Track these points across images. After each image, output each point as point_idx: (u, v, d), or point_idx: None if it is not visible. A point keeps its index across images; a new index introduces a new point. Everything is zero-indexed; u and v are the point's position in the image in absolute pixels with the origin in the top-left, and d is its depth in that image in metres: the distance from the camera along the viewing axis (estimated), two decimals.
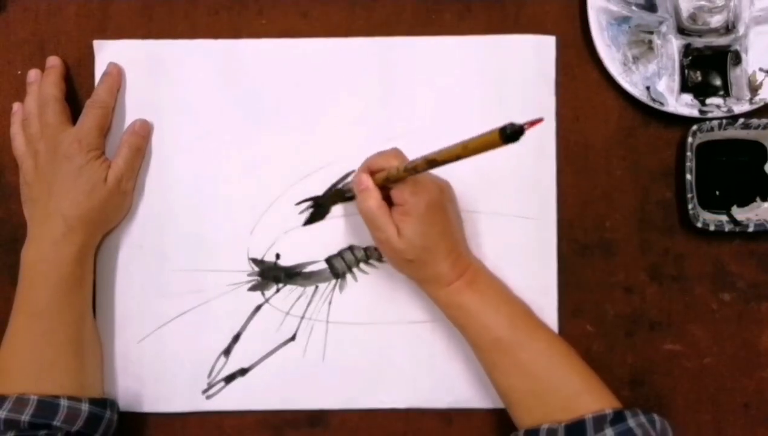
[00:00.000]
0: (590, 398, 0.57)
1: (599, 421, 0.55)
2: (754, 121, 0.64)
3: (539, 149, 0.66)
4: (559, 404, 0.57)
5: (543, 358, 0.59)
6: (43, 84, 0.65)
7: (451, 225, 0.60)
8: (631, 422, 0.55)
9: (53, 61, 0.66)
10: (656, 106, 0.65)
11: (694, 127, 0.64)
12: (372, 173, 0.59)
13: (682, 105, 0.65)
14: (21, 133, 0.65)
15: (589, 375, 0.59)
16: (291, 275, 0.66)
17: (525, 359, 0.58)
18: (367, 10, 0.67)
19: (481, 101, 0.66)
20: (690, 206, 0.64)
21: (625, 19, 0.66)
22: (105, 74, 0.66)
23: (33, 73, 0.66)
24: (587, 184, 0.66)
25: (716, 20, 0.64)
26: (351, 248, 0.66)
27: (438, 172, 0.66)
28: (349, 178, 0.66)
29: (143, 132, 0.66)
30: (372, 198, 0.58)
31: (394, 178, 0.57)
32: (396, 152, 0.59)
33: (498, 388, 0.60)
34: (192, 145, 0.67)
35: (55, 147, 0.62)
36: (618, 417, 0.55)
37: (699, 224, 0.64)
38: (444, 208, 0.60)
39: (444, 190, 0.61)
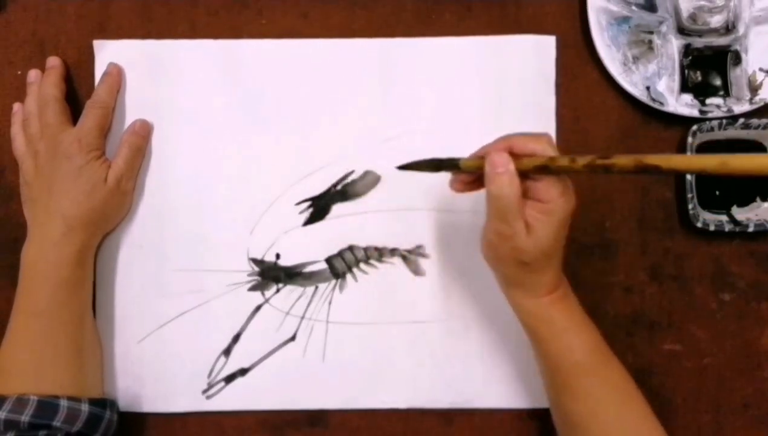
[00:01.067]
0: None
1: None
2: (754, 121, 0.64)
3: None
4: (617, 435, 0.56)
5: (615, 390, 0.57)
6: (43, 84, 0.65)
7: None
8: None
9: (53, 62, 0.66)
10: (656, 106, 0.65)
11: (694, 128, 0.64)
12: (513, 155, 0.52)
13: (682, 105, 0.65)
14: (21, 133, 0.65)
15: (653, 418, 0.57)
16: (291, 275, 0.66)
17: (598, 388, 0.56)
18: (367, 10, 0.67)
19: (481, 102, 0.66)
20: (690, 206, 0.64)
21: (625, 19, 0.65)
22: (105, 74, 0.66)
23: (33, 74, 0.66)
24: (587, 185, 0.66)
25: (716, 20, 0.64)
26: (351, 248, 0.66)
27: (440, 182, 0.66)
28: (350, 179, 0.66)
29: (143, 132, 0.66)
30: (513, 184, 0.51)
31: (553, 170, 0.50)
32: (548, 139, 0.52)
33: (560, 410, 0.58)
34: (192, 145, 0.67)
35: (55, 147, 0.62)
36: None
37: (699, 224, 0.64)
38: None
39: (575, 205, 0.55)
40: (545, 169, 0.51)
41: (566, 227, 0.53)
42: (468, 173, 0.55)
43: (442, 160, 0.56)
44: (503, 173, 0.51)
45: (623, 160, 0.48)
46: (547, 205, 0.52)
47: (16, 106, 0.66)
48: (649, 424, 0.56)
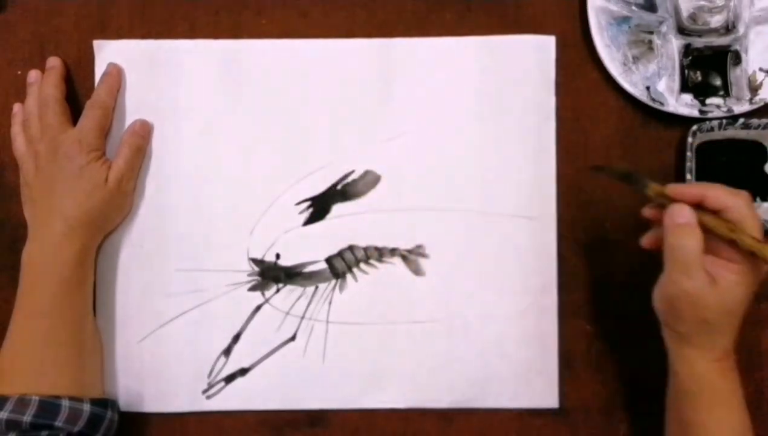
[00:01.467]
0: None
1: None
2: (754, 121, 0.64)
3: (539, 149, 0.66)
4: None
5: None
6: (44, 85, 0.65)
7: None
8: None
9: (53, 62, 0.66)
10: (656, 106, 0.65)
11: (694, 128, 0.64)
12: (693, 204, 0.50)
13: (682, 105, 0.65)
14: (21, 133, 0.65)
15: None
16: (291, 274, 0.66)
17: None
18: (367, 10, 0.67)
19: (481, 102, 0.66)
20: None
21: (625, 19, 0.65)
22: (105, 74, 0.66)
23: (33, 74, 0.66)
24: (587, 185, 0.66)
25: (716, 20, 0.64)
26: (351, 248, 0.66)
27: (435, 171, 0.66)
28: (350, 178, 0.66)
29: (143, 132, 0.66)
30: (694, 237, 0.49)
31: (740, 246, 0.49)
32: (747, 198, 0.50)
33: None
34: (192, 145, 0.67)
35: (55, 148, 0.62)
36: None
37: None
38: None
39: None
40: (731, 242, 0.49)
41: (755, 288, 0.51)
42: (652, 203, 0.54)
43: (635, 174, 0.55)
44: (685, 225, 0.50)
45: None
46: (740, 267, 0.50)
47: (17, 106, 0.66)
48: None
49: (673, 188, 0.52)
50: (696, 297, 0.50)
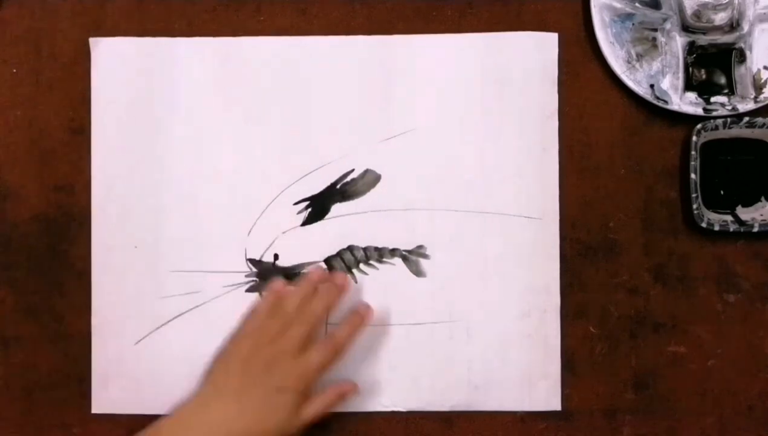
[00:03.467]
0: None
1: None
2: (759, 120, 0.63)
3: (542, 148, 0.66)
4: None
5: None
6: (316, 300, 0.62)
7: None
8: None
9: (341, 281, 0.64)
10: (660, 104, 0.64)
11: (699, 126, 0.63)
12: None
13: (687, 103, 0.64)
14: (276, 304, 0.62)
15: None
16: (289, 275, 0.66)
17: None
18: (367, 7, 0.67)
19: (483, 99, 0.66)
20: (694, 206, 0.63)
21: (628, 16, 0.65)
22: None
23: (318, 274, 0.64)
24: (590, 184, 0.66)
25: (720, 17, 0.63)
26: (350, 249, 0.66)
27: (436, 171, 0.66)
28: (349, 178, 0.66)
29: (349, 390, 0.63)
30: None
31: None
32: None
33: None
34: (188, 144, 0.66)
35: (279, 363, 0.60)
36: None
37: (703, 224, 0.63)
38: None
39: None
40: None
41: None
42: None
43: None
44: None
45: None
46: None
47: (280, 284, 0.64)
48: None
49: None
50: None
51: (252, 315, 0.63)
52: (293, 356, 0.60)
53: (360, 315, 0.63)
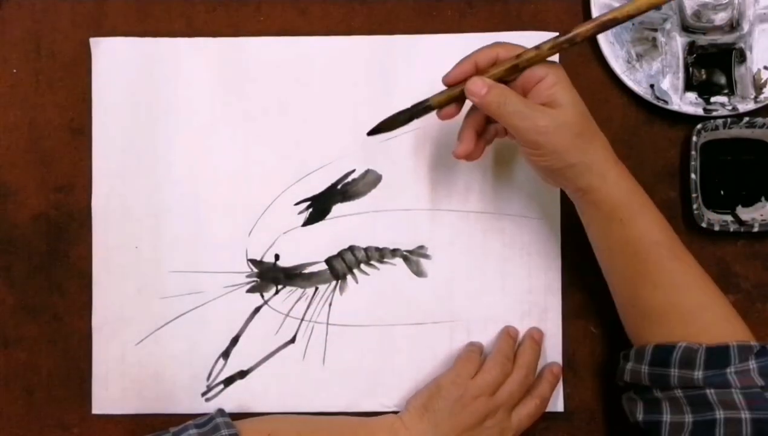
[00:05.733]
0: (730, 327, 0.55)
1: (744, 351, 0.53)
2: (759, 120, 0.63)
3: None
4: (700, 326, 0.55)
5: (694, 273, 0.56)
6: (532, 354, 0.63)
7: None
8: None
9: (538, 336, 0.64)
10: (660, 104, 0.64)
11: (699, 126, 0.63)
12: (478, 72, 0.54)
13: (687, 103, 0.64)
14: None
15: (728, 304, 0.57)
16: (290, 276, 0.66)
17: (679, 271, 0.56)
18: (367, 7, 0.67)
19: None
20: (694, 206, 0.63)
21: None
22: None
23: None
24: None
25: (720, 17, 0.63)
26: (351, 249, 0.66)
27: (437, 171, 0.65)
28: (350, 178, 0.66)
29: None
30: (510, 93, 0.53)
31: (524, 66, 0.53)
32: (502, 43, 0.55)
33: (638, 302, 0.57)
34: (189, 144, 0.66)
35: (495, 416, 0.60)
36: (763, 351, 0.54)
37: (703, 224, 0.63)
38: None
39: None
40: (516, 69, 0.53)
41: (570, 86, 0.54)
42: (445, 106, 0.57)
43: (411, 107, 0.58)
44: (489, 92, 0.53)
45: (584, 28, 0.53)
46: (546, 80, 0.53)
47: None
48: (728, 313, 0.56)
49: (452, 77, 0.55)
50: (553, 127, 0.52)
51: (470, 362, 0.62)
52: (508, 411, 0.61)
53: (554, 374, 0.64)
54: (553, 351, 0.65)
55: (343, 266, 0.66)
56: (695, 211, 0.63)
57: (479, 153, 0.58)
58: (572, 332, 0.65)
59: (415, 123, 0.65)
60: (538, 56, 0.53)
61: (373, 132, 0.59)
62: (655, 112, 0.65)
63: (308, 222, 0.66)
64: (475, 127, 0.57)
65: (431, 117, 0.67)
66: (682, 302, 0.56)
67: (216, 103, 0.66)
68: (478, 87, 0.53)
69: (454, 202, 0.66)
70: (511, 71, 0.54)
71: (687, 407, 0.54)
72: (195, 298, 0.65)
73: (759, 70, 0.65)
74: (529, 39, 0.65)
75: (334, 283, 0.66)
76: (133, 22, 0.67)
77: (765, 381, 0.53)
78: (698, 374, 0.53)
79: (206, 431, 0.57)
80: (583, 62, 0.66)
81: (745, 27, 0.64)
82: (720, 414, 0.52)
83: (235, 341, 0.65)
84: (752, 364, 0.53)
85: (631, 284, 0.57)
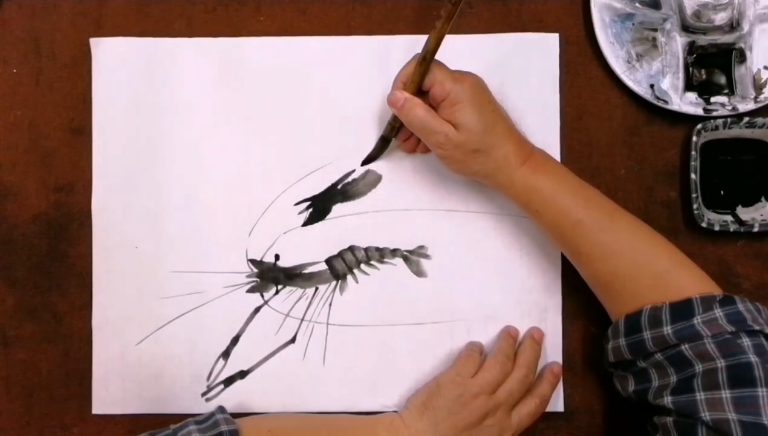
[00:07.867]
0: (681, 273, 0.57)
1: (707, 301, 0.54)
2: (759, 120, 0.63)
3: (543, 148, 0.65)
4: (649, 283, 0.57)
5: (625, 236, 0.58)
6: (533, 354, 0.63)
7: (501, 107, 0.60)
8: (741, 306, 0.54)
9: (539, 336, 0.64)
10: (660, 104, 0.64)
11: (699, 126, 0.63)
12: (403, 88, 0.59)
13: (687, 103, 0.64)
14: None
15: (676, 252, 0.58)
16: (290, 276, 0.66)
17: (607, 240, 0.58)
18: (367, 7, 0.67)
19: None
20: (695, 206, 0.63)
21: (628, 16, 0.65)
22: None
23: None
24: (591, 184, 0.65)
25: (720, 17, 0.63)
26: (351, 249, 0.66)
27: (437, 171, 0.65)
28: (350, 178, 0.66)
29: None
30: (416, 105, 0.58)
31: (428, 59, 0.58)
32: (415, 57, 0.59)
33: (587, 277, 0.60)
34: (189, 144, 0.66)
35: (494, 414, 0.60)
36: (727, 299, 0.55)
37: (704, 224, 0.63)
38: (488, 90, 0.60)
39: (480, 78, 0.60)
40: (423, 63, 0.58)
41: (481, 102, 0.58)
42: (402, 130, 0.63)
43: (384, 134, 0.64)
44: (406, 101, 0.58)
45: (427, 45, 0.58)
46: (450, 98, 0.57)
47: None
48: (687, 268, 0.57)
49: (390, 96, 0.60)
50: (452, 142, 0.58)
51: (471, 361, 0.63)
52: (508, 411, 0.61)
53: (554, 373, 0.64)
54: (553, 351, 0.65)
55: (343, 266, 0.66)
56: (695, 211, 0.63)
57: (423, 148, 0.63)
58: (572, 332, 0.65)
59: None
60: (434, 45, 0.58)
61: (365, 163, 0.66)
62: (655, 112, 0.65)
63: (308, 222, 0.66)
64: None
65: None
66: (620, 266, 0.57)
67: (216, 103, 0.66)
68: (396, 98, 0.59)
69: (454, 202, 0.66)
70: (422, 72, 0.58)
71: (670, 368, 0.55)
72: (195, 298, 0.65)
73: (759, 70, 0.65)
74: (529, 39, 0.66)
75: (334, 283, 0.66)
76: (133, 22, 0.67)
77: (735, 327, 0.53)
78: (667, 329, 0.55)
79: (206, 427, 0.57)
80: (584, 62, 0.66)
81: (745, 27, 0.64)
82: (699, 368, 0.53)
83: (235, 341, 0.65)
84: (718, 312, 0.54)
85: (576, 263, 0.60)
